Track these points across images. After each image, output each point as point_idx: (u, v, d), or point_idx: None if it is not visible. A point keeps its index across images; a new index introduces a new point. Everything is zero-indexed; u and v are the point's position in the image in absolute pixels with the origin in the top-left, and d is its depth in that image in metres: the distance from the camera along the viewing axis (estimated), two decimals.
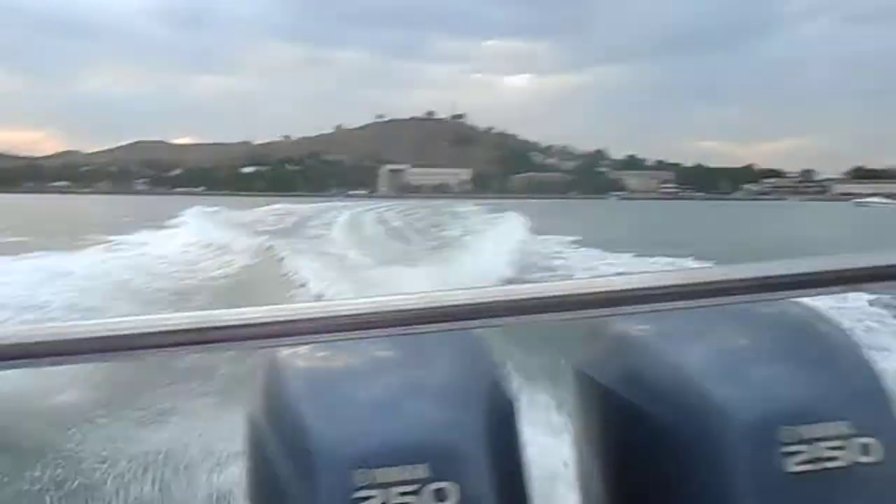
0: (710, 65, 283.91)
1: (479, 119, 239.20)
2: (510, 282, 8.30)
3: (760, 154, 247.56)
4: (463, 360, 1.10)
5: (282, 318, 0.73)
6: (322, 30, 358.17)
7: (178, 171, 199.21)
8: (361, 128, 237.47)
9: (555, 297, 0.72)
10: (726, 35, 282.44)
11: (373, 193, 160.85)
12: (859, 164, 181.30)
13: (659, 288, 0.68)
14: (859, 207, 78.15)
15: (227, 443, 4.02)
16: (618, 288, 0.70)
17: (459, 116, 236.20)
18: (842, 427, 0.99)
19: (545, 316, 0.72)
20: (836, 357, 1.10)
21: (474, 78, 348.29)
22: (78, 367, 4.01)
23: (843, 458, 0.97)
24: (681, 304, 0.70)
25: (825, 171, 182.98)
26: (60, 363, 0.73)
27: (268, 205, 38.74)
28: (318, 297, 7.71)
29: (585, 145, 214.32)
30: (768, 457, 0.98)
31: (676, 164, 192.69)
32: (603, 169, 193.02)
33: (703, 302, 0.70)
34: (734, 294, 0.69)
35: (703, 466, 1.02)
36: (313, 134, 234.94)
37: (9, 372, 0.67)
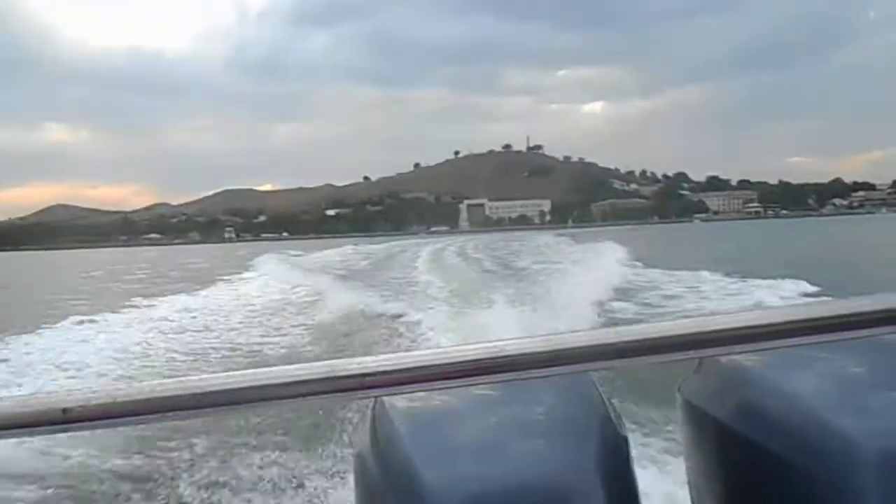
0: (786, 79, 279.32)
1: (557, 149, 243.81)
2: (616, 322, 8.77)
3: (848, 167, 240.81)
4: (571, 400, 1.10)
5: (400, 367, 0.75)
6: (396, 70, 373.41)
7: (263, 218, 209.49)
8: (439, 164, 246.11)
9: (664, 337, 0.71)
10: (802, 47, 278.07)
11: (454, 229, 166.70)
12: None
13: (767, 325, 0.66)
14: None
15: (337, 488, 4.55)
16: (726, 326, 0.68)
17: (537, 147, 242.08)
18: None
19: (654, 357, 0.72)
20: None
21: (550, 108, 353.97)
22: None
23: None
24: (791, 341, 0.68)
25: None
26: (200, 416, 0.77)
27: (346, 245, 42.56)
28: (432, 345, 7.88)
29: (665, 168, 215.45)
30: None
31: (761, 183, 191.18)
32: (684, 192, 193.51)
33: (814, 339, 0.68)
34: (846, 329, 0.67)
35: (830, 500, 0.98)
36: (392, 174, 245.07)
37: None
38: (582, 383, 1.13)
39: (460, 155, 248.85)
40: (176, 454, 5.55)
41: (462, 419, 1.06)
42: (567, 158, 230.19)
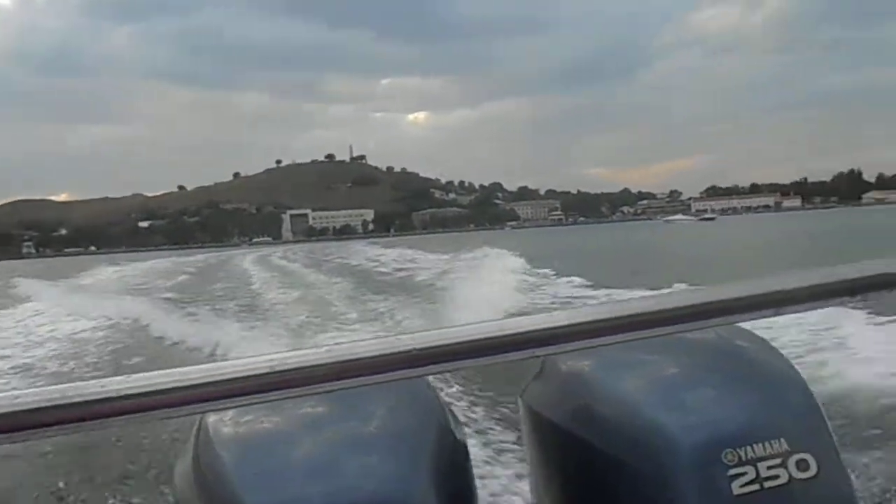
0: (596, 96, 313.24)
1: (381, 158, 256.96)
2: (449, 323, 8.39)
3: (639, 176, 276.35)
4: (407, 407, 1.10)
5: (225, 377, 0.69)
6: (211, 72, 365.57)
7: (63, 231, 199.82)
8: (260, 174, 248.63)
9: (496, 337, 0.71)
10: (611, 67, 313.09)
11: (277, 240, 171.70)
12: (713, 183, 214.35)
13: (600, 321, 0.69)
14: (668, 224, 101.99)
15: None
16: (560, 324, 0.70)
17: (360, 157, 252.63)
18: (779, 445, 1.04)
19: (486, 359, 0.71)
20: (770, 376, 1.18)
21: (374, 117, 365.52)
22: None
23: (782, 476, 1.03)
24: (622, 336, 0.71)
25: (688, 190, 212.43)
26: None
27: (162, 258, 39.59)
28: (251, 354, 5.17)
29: (484, 178, 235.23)
30: (716, 481, 1.02)
31: (565, 192, 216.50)
32: (499, 201, 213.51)
33: (644, 333, 0.71)
34: (673, 323, 0.71)
35: (655, 496, 1.06)
36: (210, 183, 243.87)
37: None
38: (419, 389, 1.14)
39: (282, 164, 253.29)
40: None
41: (291, 435, 1.03)
42: (390, 168, 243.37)
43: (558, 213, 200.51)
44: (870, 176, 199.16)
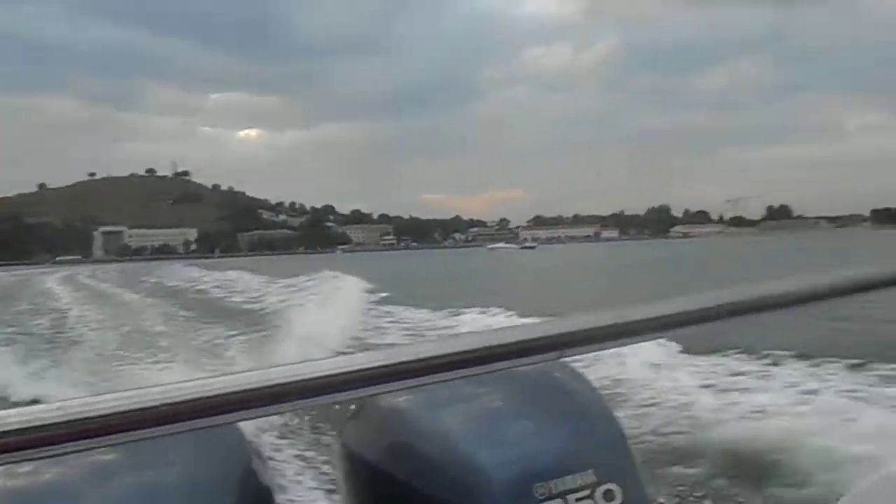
0: (430, 123, 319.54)
1: (207, 175, 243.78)
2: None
3: (473, 205, 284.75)
4: (207, 457, 1.04)
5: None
6: (12, 72, 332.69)
7: None
8: (70, 186, 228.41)
9: (311, 379, 0.67)
10: (445, 96, 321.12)
11: (87, 258, 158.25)
12: (537, 213, 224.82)
13: (421, 360, 0.69)
14: (492, 251, 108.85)
15: None
16: (379, 364, 0.68)
17: (184, 173, 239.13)
18: (588, 477, 1.09)
19: (302, 402, 0.67)
20: (583, 410, 1.23)
21: (202, 131, 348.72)
22: None
23: None
24: (441, 375, 0.71)
25: (517, 219, 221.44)
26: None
27: None
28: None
29: (316, 200, 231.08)
30: None
31: (397, 217, 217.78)
32: (331, 224, 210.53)
33: (462, 372, 0.71)
34: (493, 361, 0.71)
35: None
36: (11, 194, 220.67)
37: None
38: (228, 436, 1.10)
39: (96, 177, 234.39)
40: None
41: (80, 489, 0.98)
42: (217, 186, 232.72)
43: (391, 237, 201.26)
44: (677, 211, 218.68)
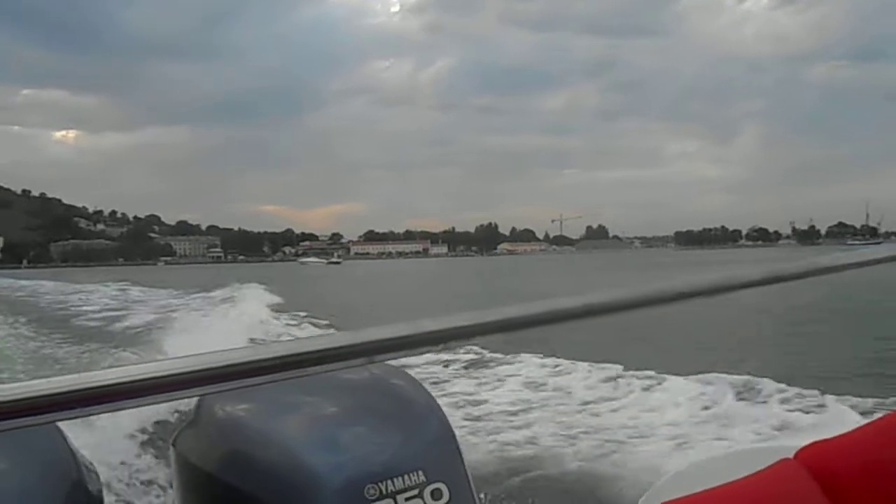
0: (261, 132, 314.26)
1: (16, 179, 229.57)
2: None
3: (308, 218, 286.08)
4: (25, 460, 1.03)
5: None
6: None
7: None
8: None
9: (140, 380, 0.66)
10: (281, 105, 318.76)
11: None
12: (371, 227, 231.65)
13: (255, 362, 0.70)
14: (303, 265, 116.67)
15: None
16: (214, 365, 0.69)
17: None
18: (417, 477, 1.15)
19: (131, 402, 0.66)
20: (415, 412, 1.29)
21: (11, 131, 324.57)
22: None
23: None
24: (273, 377, 0.72)
25: (350, 233, 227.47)
26: None
27: None
28: None
29: (140, 210, 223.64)
30: None
31: (227, 229, 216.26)
32: (154, 235, 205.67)
33: (296, 373, 0.73)
34: (327, 362, 0.73)
35: None
36: None
37: None
38: (47, 438, 1.08)
39: None
40: None
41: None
42: (26, 192, 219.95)
43: (217, 250, 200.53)
44: (505, 229, 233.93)
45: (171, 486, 1.35)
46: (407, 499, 1.13)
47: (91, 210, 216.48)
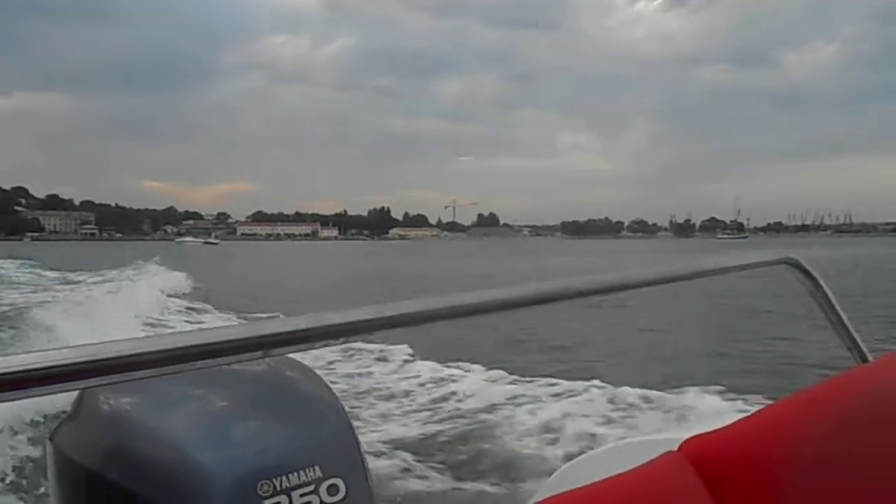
0: (148, 105, 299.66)
1: None
2: None
3: (196, 196, 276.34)
4: None
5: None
6: None
7: None
8: None
9: (19, 372, 0.62)
10: (170, 76, 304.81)
11: None
12: (261, 208, 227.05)
13: (144, 354, 0.67)
14: (179, 244, 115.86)
15: None
16: (99, 357, 0.65)
17: None
18: (313, 472, 1.13)
19: (7, 394, 0.62)
20: (313, 406, 1.25)
21: None
22: None
23: (314, 502, 1.12)
24: (163, 370, 0.70)
25: (237, 213, 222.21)
26: None
27: None
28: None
29: (4, 182, 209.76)
30: None
31: (104, 205, 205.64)
32: (21, 209, 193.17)
33: (186, 366, 0.71)
34: (219, 356, 0.72)
35: None
36: None
37: None
38: None
39: None
40: None
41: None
42: None
43: (91, 226, 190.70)
44: (398, 214, 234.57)
45: (48, 483, 1.29)
46: (301, 495, 1.11)
47: None
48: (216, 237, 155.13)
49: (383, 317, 0.77)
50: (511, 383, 8.38)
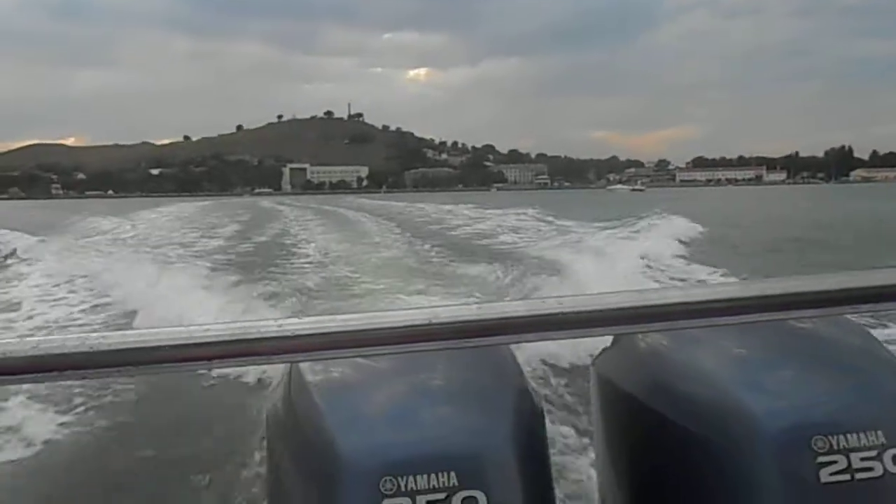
0: (594, 59, 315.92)
1: (377, 116, 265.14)
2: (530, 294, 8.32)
3: (645, 142, 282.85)
4: (487, 370, 1.14)
5: (320, 331, 0.77)
6: (209, 20, 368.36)
7: (81, 175, 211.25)
8: (262, 128, 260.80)
9: (579, 312, 0.73)
10: (611, 29, 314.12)
11: (277, 191, 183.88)
12: (701, 154, 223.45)
13: (687, 304, 0.70)
14: (610, 192, 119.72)
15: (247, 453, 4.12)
16: (645, 303, 0.71)
17: (357, 115, 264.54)
18: (875, 437, 1.01)
19: (567, 332, 0.74)
20: (869, 367, 1.14)
21: (374, 72, 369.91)
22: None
23: (876, 469, 1.00)
24: (711, 320, 0.72)
25: (677, 159, 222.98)
26: (88, 377, 0.75)
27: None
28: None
29: (476, 140, 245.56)
30: (801, 467, 1.01)
31: (554, 157, 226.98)
32: (489, 163, 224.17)
33: (731, 319, 0.72)
34: (764, 311, 0.71)
35: (731, 476, 1.05)
36: (214, 135, 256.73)
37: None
38: (499, 355, 1.18)
39: (283, 119, 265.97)
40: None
41: (380, 387, 1.10)
42: (386, 127, 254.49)
43: (544, 177, 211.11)
44: (863, 152, 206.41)
45: (591, 405, 1.38)
46: (862, 458, 1.00)
47: (437, 141, 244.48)
48: (641, 184, 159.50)
49: None
50: None
